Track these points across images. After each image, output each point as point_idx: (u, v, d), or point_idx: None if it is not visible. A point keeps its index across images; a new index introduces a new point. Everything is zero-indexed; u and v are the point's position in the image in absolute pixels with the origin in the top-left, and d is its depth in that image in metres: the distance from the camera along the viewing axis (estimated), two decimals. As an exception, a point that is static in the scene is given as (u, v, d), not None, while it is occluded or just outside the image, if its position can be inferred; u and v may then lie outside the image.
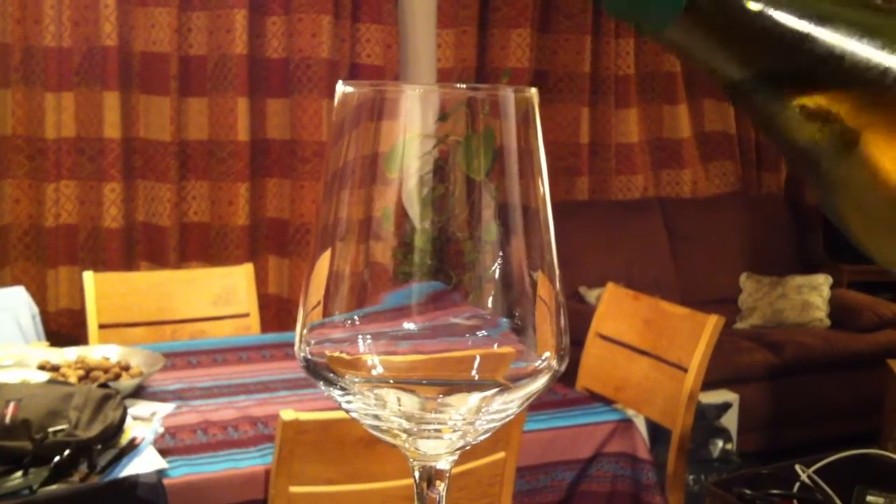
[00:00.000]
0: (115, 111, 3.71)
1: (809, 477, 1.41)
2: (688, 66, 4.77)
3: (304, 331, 0.47)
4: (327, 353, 0.46)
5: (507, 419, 0.47)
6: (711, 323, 2.30)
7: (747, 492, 1.40)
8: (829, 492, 1.37)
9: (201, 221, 3.93)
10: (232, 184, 3.90)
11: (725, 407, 3.64)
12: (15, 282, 3.47)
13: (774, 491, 1.40)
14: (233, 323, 2.81)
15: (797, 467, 1.44)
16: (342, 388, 0.46)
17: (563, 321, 0.48)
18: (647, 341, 2.44)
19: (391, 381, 0.46)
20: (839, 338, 4.14)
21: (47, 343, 2.47)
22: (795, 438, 3.88)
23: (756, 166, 5.01)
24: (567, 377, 2.52)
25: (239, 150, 3.87)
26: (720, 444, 3.49)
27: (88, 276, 2.68)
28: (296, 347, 0.47)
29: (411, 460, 0.47)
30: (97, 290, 2.67)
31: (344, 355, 0.46)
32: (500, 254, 0.48)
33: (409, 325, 0.47)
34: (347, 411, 0.47)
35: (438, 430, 0.46)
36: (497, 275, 0.48)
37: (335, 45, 3.97)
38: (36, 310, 2.89)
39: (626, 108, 4.64)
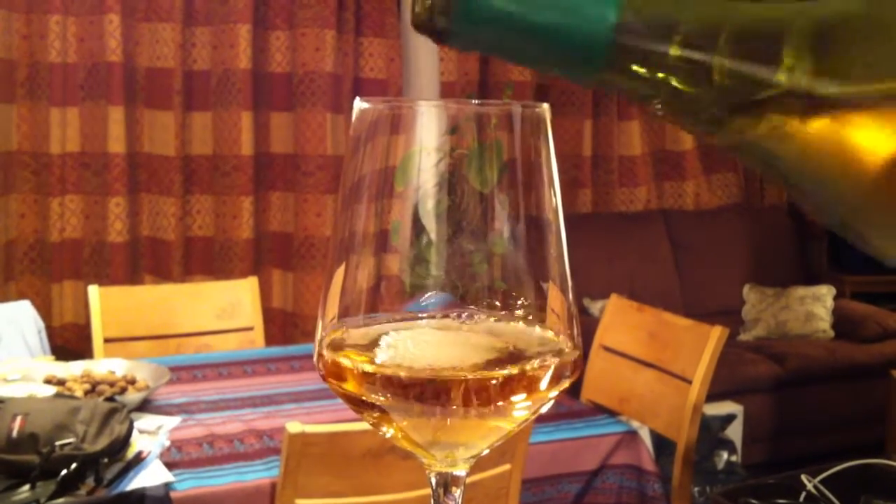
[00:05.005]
0: (119, 126, 3.73)
1: (815, 486, 1.41)
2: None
3: (322, 342, 0.48)
4: (344, 363, 0.47)
5: (521, 426, 0.48)
6: (715, 334, 2.30)
7: (753, 502, 1.40)
8: (836, 501, 1.37)
9: (205, 235, 3.94)
10: (236, 198, 3.91)
11: (730, 418, 3.63)
12: (20, 296, 3.47)
13: (780, 501, 1.40)
14: (237, 336, 2.82)
15: (803, 477, 1.44)
16: (360, 397, 0.47)
17: (575, 331, 0.48)
18: (652, 353, 2.44)
19: (408, 390, 0.47)
20: (843, 348, 4.14)
21: (53, 357, 2.48)
22: (800, 450, 3.87)
23: (758, 178, 5.02)
24: (572, 389, 2.52)
25: (243, 164, 3.89)
26: (725, 455, 3.48)
27: (93, 291, 2.69)
28: (314, 358, 0.48)
29: (428, 467, 0.48)
30: (102, 304, 2.68)
31: (361, 365, 0.46)
32: (509, 265, 0.48)
33: (423, 336, 0.48)
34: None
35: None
36: (505, 286, 0.48)
37: (338, 59, 3.99)
38: (41, 324, 2.89)
39: (629, 121, 4.66)
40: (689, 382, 2.29)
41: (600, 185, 4.64)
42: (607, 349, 2.57)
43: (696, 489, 3.21)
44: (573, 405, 2.31)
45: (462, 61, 4.26)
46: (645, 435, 2.46)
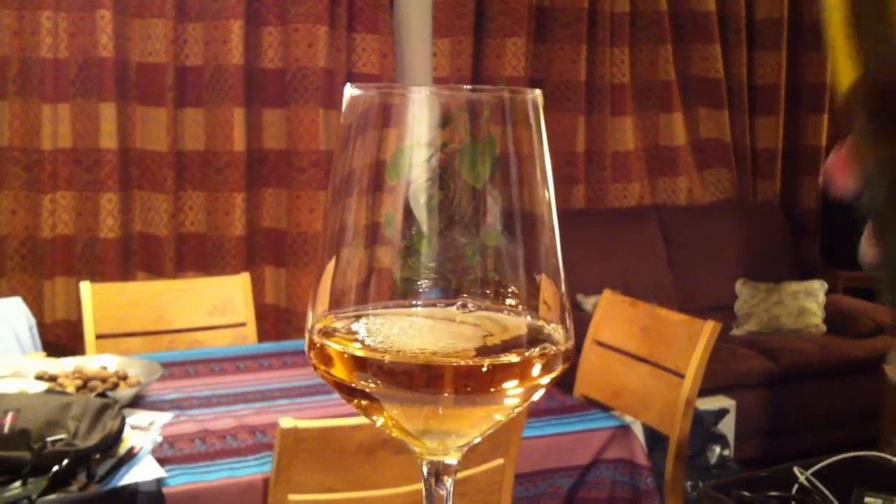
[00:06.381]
0: (111, 122, 3.71)
1: (808, 479, 1.41)
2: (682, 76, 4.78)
3: (313, 331, 0.47)
4: (334, 350, 0.46)
5: (511, 416, 0.48)
6: (708, 329, 2.30)
7: (746, 494, 1.40)
8: (828, 493, 1.38)
9: (198, 231, 3.93)
10: (228, 194, 3.90)
11: (722, 413, 3.64)
12: (12, 293, 3.46)
13: (773, 493, 1.40)
14: (230, 332, 2.81)
15: (795, 469, 1.44)
16: (350, 385, 0.47)
17: (567, 321, 0.48)
18: (645, 348, 2.44)
19: (399, 377, 0.46)
20: (836, 344, 4.15)
21: (44, 354, 2.47)
22: (792, 445, 3.89)
23: (751, 174, 5.03)
24: (564, 384, 2.52)
25: (235, 160, 3.88)
26: (718, 450, 3.49)
27: (85, 287, 2.68)
28: (306, 351, 0.48)
29: (419, 456, 0.47)
30: (94, 300, 2.67)
31: (351, 352, 0.46)
32: (502, 258, 0.48)
33: (414, 324, 0.48)
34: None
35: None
36: (497, 278, 0.48)
37: (331, 54, 3.98)
38: (33, 321, 2.88)
39: (622, 117, 4.66)
40: (682, 377, 2.30)
41: (593, 180, 4.65)
42: (600, 344, 2.57)
43: (688, 483, 3.21)
44: (566, 400, 2.31)
45: (455, 57, 4.26)
46: (638, 429, 2.46)
